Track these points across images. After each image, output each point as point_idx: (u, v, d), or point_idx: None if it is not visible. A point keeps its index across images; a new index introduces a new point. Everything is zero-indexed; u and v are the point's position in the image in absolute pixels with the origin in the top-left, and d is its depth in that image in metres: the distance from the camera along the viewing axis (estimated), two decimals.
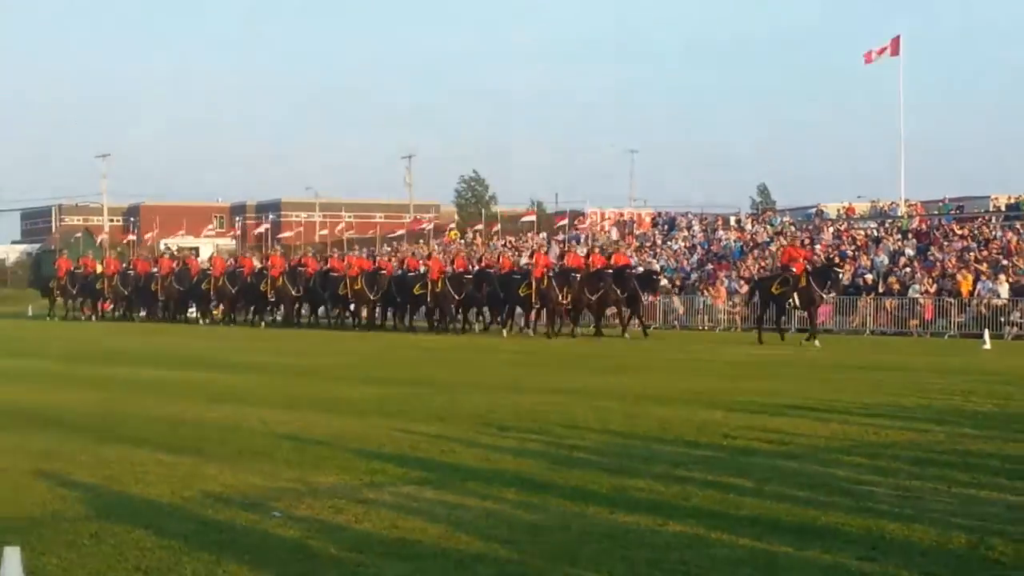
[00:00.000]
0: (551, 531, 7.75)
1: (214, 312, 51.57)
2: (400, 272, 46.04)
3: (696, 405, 15.36)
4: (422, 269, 45.22)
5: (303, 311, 49.77)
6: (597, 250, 43.67)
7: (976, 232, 47.69)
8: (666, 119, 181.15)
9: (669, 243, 58.72)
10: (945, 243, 46.49)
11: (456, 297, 40.23)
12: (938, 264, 43.78)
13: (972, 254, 43.48)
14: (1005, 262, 42.24)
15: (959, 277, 40.46)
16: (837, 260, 40.53)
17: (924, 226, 51.06)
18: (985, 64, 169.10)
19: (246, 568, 6.84)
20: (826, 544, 7.31)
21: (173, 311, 52.32)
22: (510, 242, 63.73)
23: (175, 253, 61.80)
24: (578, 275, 37.48)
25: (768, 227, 58.48)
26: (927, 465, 10.37)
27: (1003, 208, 55.45)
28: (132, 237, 72.77)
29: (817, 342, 31.19)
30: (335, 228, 74.23)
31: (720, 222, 62.50)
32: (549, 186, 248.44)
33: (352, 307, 46.43)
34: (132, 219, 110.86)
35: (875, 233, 52.15)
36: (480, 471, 10.16)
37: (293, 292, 47.56)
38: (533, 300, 38.55)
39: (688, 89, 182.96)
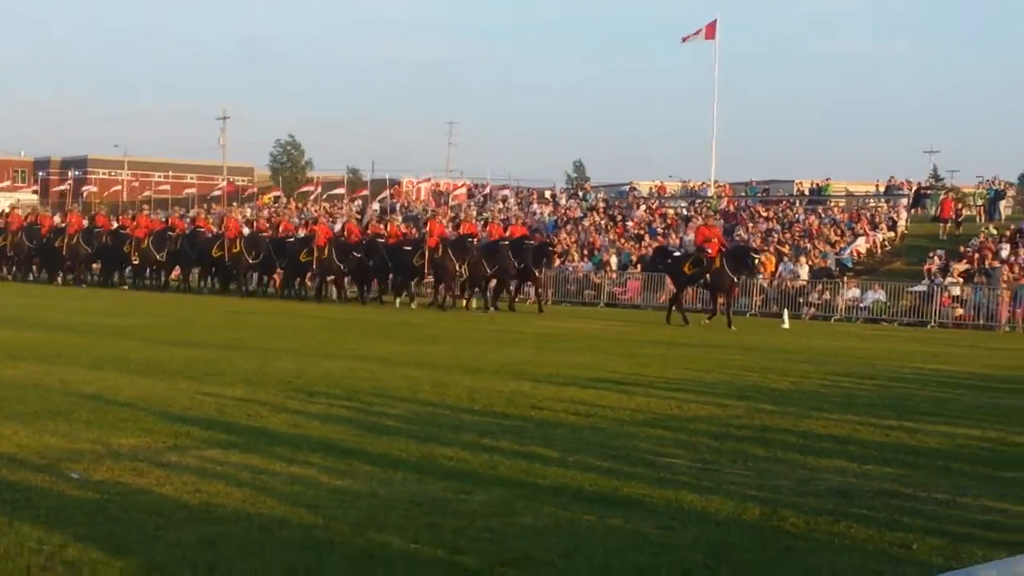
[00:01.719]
0: (358, 497, 7.73)
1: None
2: (190, 231, 45.19)
3: (505, 376, 15.49)
4: (216, 230, 44.56)
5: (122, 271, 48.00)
6: (496, 221, 42.99)
7: (780, 215, 49.22)
8: (486, 92, 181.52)
9: (484, 215, 58.95)
10: (751, 224, 47.86)
11: (342, 267, 38.92)
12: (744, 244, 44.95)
13: (776, 236, 44.84)
14: (807, 245, 43.69)
15: (763, 258, 41.62)
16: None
17: (732, 207, 52.46)
18: (795, 53, 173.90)
19: (41, 530, 6.63)
20: (628, 514, 7.46)
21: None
22: (325, 208, 63.18)
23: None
24: (475, 244, 36.29)
25: (582, 203, 59.24)
26: (726, 439, 10.66)
27: (806, 192, 57.31)
28: None
29: (733, 327, 29.57)
30: (144, 187, 72.46)
31: (535, 196, 63.08)
32: (366, 154, 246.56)
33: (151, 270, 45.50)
34: None
35: (685, 212, 53.36)
36: (287, 436, 10.06)
37: (87, 251, 46.22)
38: (427, 271, 37.22)
39: (508, 63, 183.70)
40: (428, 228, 39.16)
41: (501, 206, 60.29)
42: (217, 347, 18.71)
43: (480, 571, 6.11)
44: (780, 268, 41.68)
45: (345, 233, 40.83)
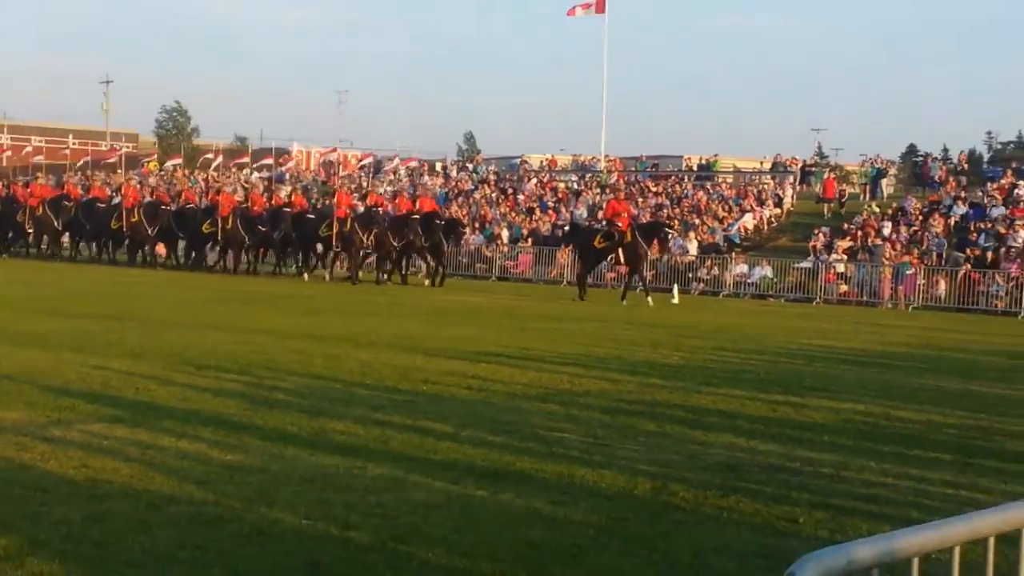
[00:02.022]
0: (248, 472, 7.66)
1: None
2: (86, 200, 44.10)
3: (397, 349, 15.45)
4: (115, 200, 43.53)
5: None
6: (405, 193, 42.39)
7: (670, 190, 49.67)
8: (378, 61, 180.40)
9: (375, 186, 58.62)
10: (641, 199, 48.20)
11: (246, 237, 37.92)
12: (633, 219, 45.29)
13: (665, 211, 45.25)
14: (695, 220, 44.17)
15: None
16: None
17: (622, 182, 52.75)
18: (685, 28, 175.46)
19: None
20: (520, 488, 7.49)
21: None
22: (213, 177, 62.32)
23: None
24: (382, 216, 35.67)
25: (473, 175, 59.22)
26: (617, 414, 10.75)
27: (695, 168, 57.91)
28: None
29: (650, 300, 29.63)
30: (22, 152, 70.67)
31: (426, 167, 62.89)
32: (255, 121, 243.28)
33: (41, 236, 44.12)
34: None
35: (575, 186, 53.59)
36: (175, 410, 9.94)
37: None
38: (334, 243, 36.57)
39: (400, 34, 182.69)
40: (336, 199, 38.58)
41: (392, 177, 60.02)
42: (104, 318, 18.39)
43: (372, 546, 6.10)
44: (670, 242, 42.12)
45: (249, 203, 39.97)
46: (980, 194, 42.41)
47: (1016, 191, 41.23)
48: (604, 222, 34.01)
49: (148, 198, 44.29)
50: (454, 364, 14.04)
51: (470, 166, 64.03)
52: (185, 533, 6.18)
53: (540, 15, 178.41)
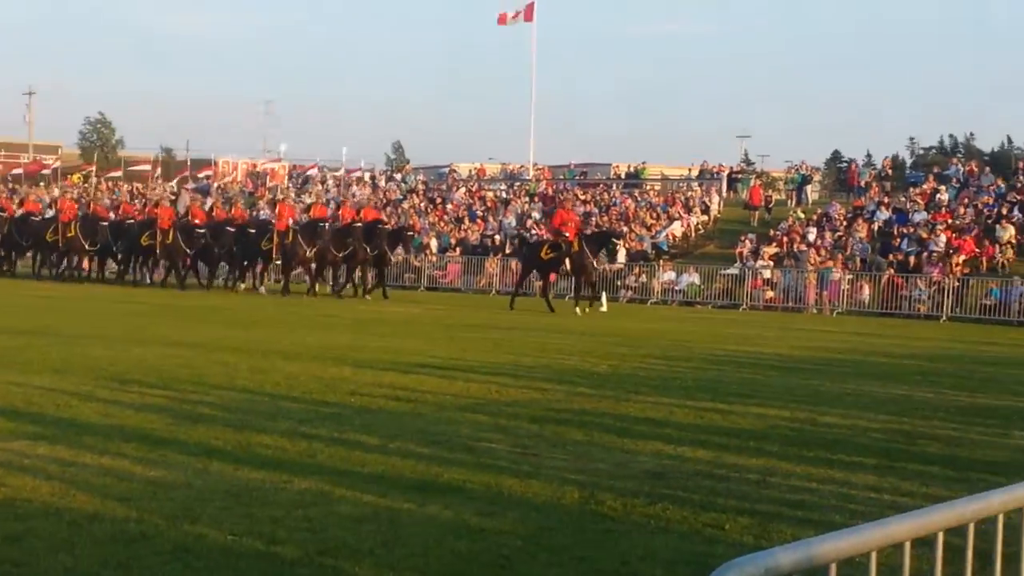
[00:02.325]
0: (172, 488, 7.57)
1: None
2: (21, 215, 43.41)
3: (324, 362, 15.36)
4: (49, 213, 42.79)
5: None
6: (347, 203, 41.90)
7: (598, 198, 49.90)
8: (303, 71, 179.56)
9: (303, 197, 58.35)
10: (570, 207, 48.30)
11: (187, 250, 37.08)
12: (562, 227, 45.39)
13: (595, 219, 45.43)
14: (623, 228, 44.38)
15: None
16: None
17: (550, 190, 52.95)
18: (613, 37, 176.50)
19: None
20: (448, 500, 7.47)
21: None
22: (137, 189, 61.68)
23: None
24: (326, 228, 35.08)
25: (402, 185, 59.13)
26: (545, 423, 10.75)
27: (623, 176, 58.24)
28: None
29: (604, 307, 29.45)
30: None
31: (354, 178, 62.69)
32: (181, 132, 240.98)
33: None
34: None
35: (504, 195, 53.68)
36: (98, 426, 9.80)
37: None
38: (275, 255, 35.98)
39: (326, 42, 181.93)
40: (277, 211, 37.95)
41: (320, 188, 59.74)
42: (25, 334, 18.10)
43: (299, 561, 6.04)
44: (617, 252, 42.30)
45: (189, 216, 39.20)
46: (903, 199, 43.03)
47: (938, 196, 41.87)
48: (551, 232, 33.55)
49: (85, 211, 43.59)
50: (382, 375, 13.99)
51: (398, 176, 63.89)
52: (108, 551, 6.09)
53: (468, 23, 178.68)
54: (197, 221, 38.18)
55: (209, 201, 46.23)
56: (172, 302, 29.46)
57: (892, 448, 10.01)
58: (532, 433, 10.20)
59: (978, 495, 3.58)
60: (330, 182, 61.81)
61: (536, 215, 47.64)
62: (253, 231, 37.09)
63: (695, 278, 39.38)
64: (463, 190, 55.82)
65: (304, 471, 8.20)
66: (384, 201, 54.84)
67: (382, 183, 61.00)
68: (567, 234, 30.96)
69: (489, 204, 52.04)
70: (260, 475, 8.03)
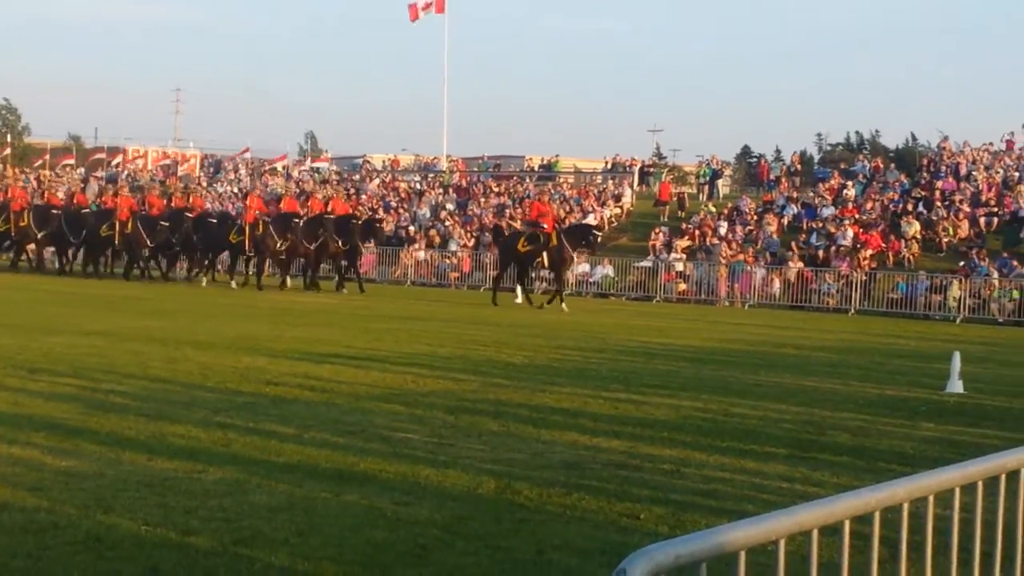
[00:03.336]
0: (84, 478, 7.48)
1: None
2: None
3: (239, 351, 15.25)
4: None
5: None
6: (315, 195, 41.19)
7: (512, 190, 49.96)
8: (216, 58, 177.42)
9: (215, 186, 57.78)
10: (483, 199, 48.42)
11: (148, 241, 36.15)
12: (476, 219, 45.54)
13: (508, 211, 45.51)
14: None
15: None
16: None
17: (464, 182, 52.93)
18: (525, 29, 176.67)
19: None
20: (364, 489, 7.47)
21: None
22: (44, 176, 60.63)
23: None
24: (299, 221, 34.28)
25: (315, 175, 58.76)
26: (461, 413, 10.79)
27: (536, 168, 58.38)
28: None
29: (564, 305, 28.97)
30: None
31: (267, 167, 62.18)
32: (88, 119, 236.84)
33: None
34: None
35: (418, 186, 53.57)
36: (7, 415, 9.65)
37: None
38: (247, 247, 35.17)
39: (239, 31, 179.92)
40: (247, 202, 37.13)
41: (233, 176, 59.18)
42: None
43: (213, 551, 6.01)
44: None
45: (147, 206, 38.31)
46: (812, 194, 43.62)
47: (845, 191, 42.51)
48: (527, 224, 33.18)
49: (38, 201, 42.44)
50: (298, 365, 13.93)
51: (313, 165, 63.47)
52: (18, 541, 6.01)
53: (381, 12, 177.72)
54: (155, 211, 37.41)
55: (124, 189, 45.36)
56: (87, 291, 29.03)
57: (803, 439, 10.17)
58: (448, 423, 10.23)
59: (884, 484, 3.65)
60: (242, 171, 61.23)
61: (450, 206, 47.61)
62: (214, 221, 36.44)
63: (609, 270, 39.60)
64: (377, 181, 55.62)
65: (218, 461, 8.15)
66: (298, 191, 54.43)
67: (295, 173, 60.57)
68: (544, 226, 30.66)
69: (403, 195, 51.91)
70: (174, 465, 7.97)
